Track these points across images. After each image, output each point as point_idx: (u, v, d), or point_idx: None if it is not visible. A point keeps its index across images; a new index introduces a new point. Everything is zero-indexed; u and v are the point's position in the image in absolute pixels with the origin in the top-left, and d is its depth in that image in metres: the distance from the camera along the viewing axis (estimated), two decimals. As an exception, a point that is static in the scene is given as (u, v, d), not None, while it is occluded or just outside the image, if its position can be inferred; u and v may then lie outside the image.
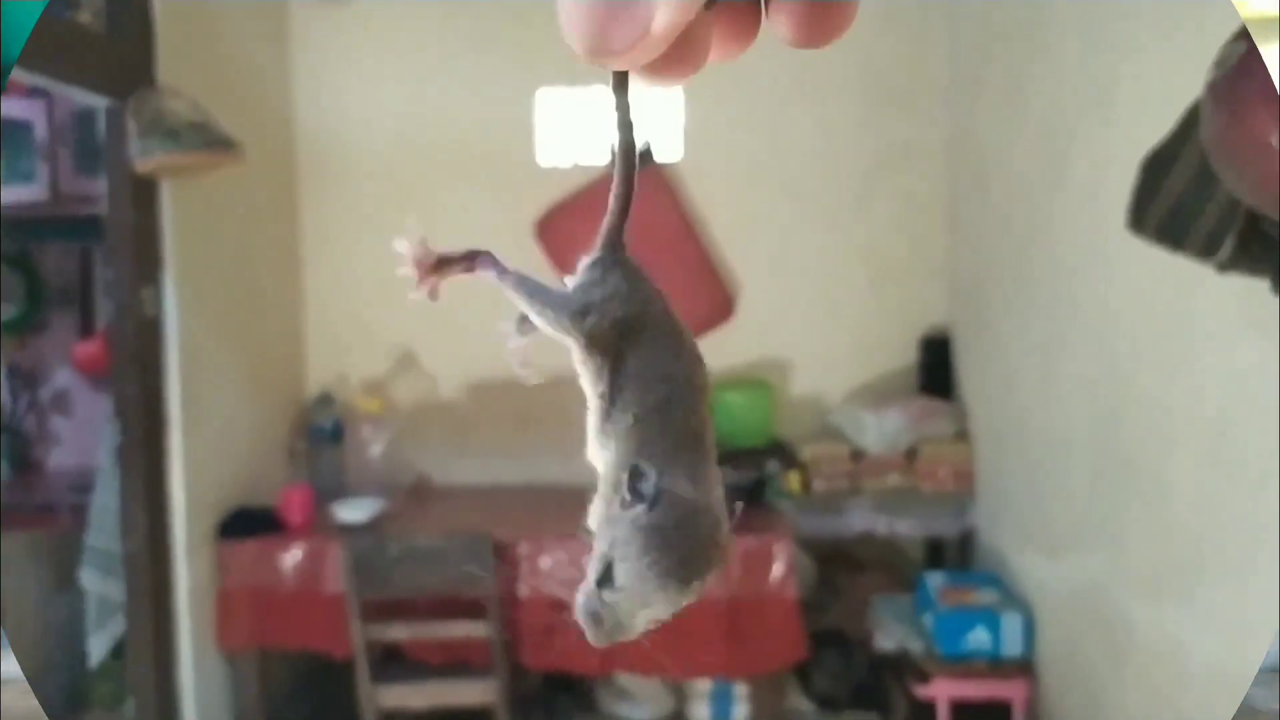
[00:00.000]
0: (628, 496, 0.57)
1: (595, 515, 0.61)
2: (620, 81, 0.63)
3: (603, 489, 0.60)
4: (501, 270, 0.67)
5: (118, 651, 2.61)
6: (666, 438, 0.60)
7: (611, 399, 0.61)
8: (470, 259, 0.68)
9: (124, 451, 2.47)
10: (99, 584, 2.56)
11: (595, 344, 0.62)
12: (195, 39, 2.69)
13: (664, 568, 0.57)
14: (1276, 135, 1.00)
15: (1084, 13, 2.24)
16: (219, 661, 2.73)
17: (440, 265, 0.68)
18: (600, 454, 0.62)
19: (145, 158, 2.36)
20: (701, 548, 0.57)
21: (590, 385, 0.63)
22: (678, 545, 0.57)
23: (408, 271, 0.68)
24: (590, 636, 0.59)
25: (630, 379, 0.62)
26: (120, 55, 2.39)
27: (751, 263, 3.27)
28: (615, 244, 0.66)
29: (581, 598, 0.58)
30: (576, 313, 0.63)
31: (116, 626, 2.57)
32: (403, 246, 0.69)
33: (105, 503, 2.55)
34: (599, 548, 0.58)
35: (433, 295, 0.68)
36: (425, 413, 3.37)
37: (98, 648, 2.59)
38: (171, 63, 2.51)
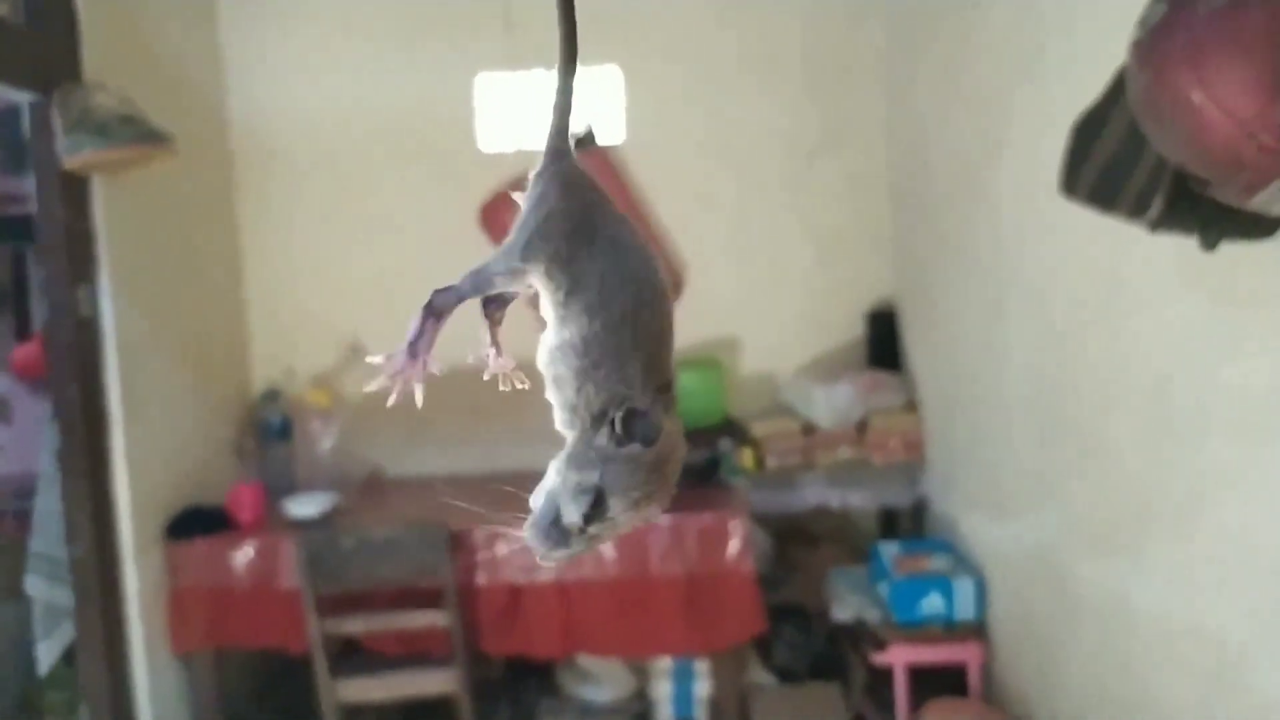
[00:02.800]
0: (622, 434, 0.60)
1: (562, 429, 0.64)
2: None
3: (570, 415, 0.62)
4: (451, 291, 0.67)
5: (68, 659, 2.56)
6: (640, 351, 0.62)
7: (567, 304, 0.63)
8: (427, 315, 0.67)
9: (65, 455, 2.42)
10: (45, 591, 2.50)
11: (552, 263, 0.64)
12: (121, 29, 2.62)
13: (657, 498, 0.61)
14: (1197, 93, 1.02)
15: (1015, -18, 2.26)
16: (174, 664, 2.69)
17: (414, 351, 0.67)
18: (559, 365, 0.63)
19: (74, 154, 2.30)
20: (676, 470, 0.61)
21: (549, 300, 0.64)
22: (668, 474, 0.61)
23: (385, 382, 0.67)
24: (552, 559, 0.61)
25: (591, 285, 0.63)
26: (43, 48, 2.32)
27: (697, 243, 3.27)
28: (557, 153, 0.67)
29: (544, 529, 0.60)
30: (521, 253, 0.65)
31: (65, 633, 2.52)
32: (378, 363, 0.67)
33: (48, 508, 2.50)
34: (582, 478, 0.60)
35: (415, 391, 0.67)
36: (375, 404, 3.32)
37: (47, 655, 2.53)
38: (97, 55, 2.45)
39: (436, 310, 0.67)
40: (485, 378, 0.73)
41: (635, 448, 0.59)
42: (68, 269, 2.39)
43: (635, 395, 0.60)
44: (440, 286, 0.67)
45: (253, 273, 3.38)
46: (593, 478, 0.59)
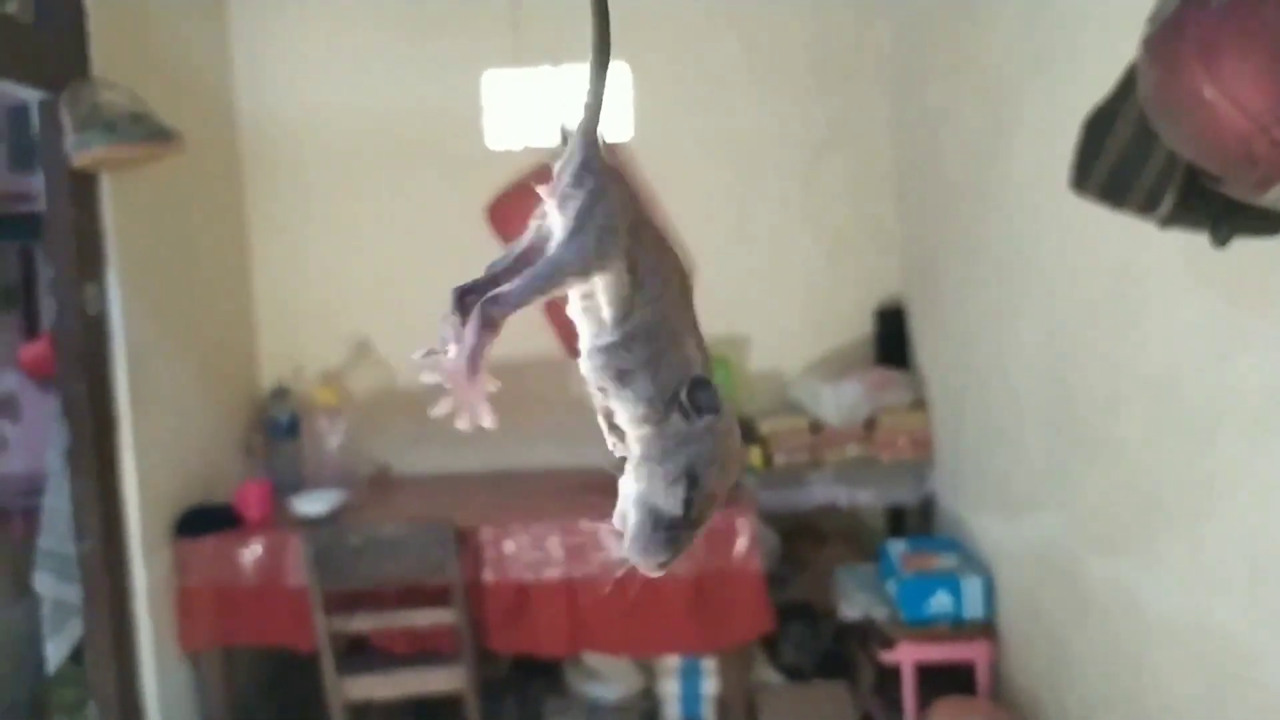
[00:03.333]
0: (691, 408, 0.60)
1: (633, 433, 0.63)
2: None
3: (646, 409, 0.62)
4: (509, 297, 0.61)
5: (77, 656, 2.56)
6: (693, 333, 0.64)
7: (632, 299, 0.63)
8: (483, 327, 0.60)
9: (74, 452, 2.42)
10: (54, 588, 2.51)
11: (624, 261, 0.63)
12: (130, 27, 2.63)
13: (738, 463, 0.62)
14: (1209, 88, 1.02)
15: (1024, -22, 2.25)
16: (182, 661, 2.69)
17: (475, 368, 0.60)
18: (624, 360, 0.62)
19: (82, 151, 2.31)
20: (739, 437, 0.63)
21: (613, 295, 0.63)
22: (738, 440, 0.63)
23: (451, 407, 0.60)
24: (662, 563, 0.60)
25: (647, 277, 0.64)
26: (51, 46, 2.33)
27: (706, 240, 3.26)
28: (595, 144, 0.67)
29: (648, 537, 0.60)
30: (597, 250, 0.62)
31: (74, 630, 2.52)
32: (429, 372, 0.61)
33: (57, 505, 2.50)
34: (672, 467, 0.60)
35: (484, 413, 0.60)
36: (383, 402, 3.34)
37: (56, 653, 2.54)
38: (106, 53, 2.45)
39: (495, 321, 0.60)
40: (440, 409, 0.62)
41: (709, 418, 0.60)
42: (76, 267, 2.39)
43: (697, 370, 0.62)
44: (490, 294, 0.60)
45: (261, 270, 3.38)
46: (681, 462, 0.60)
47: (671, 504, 0.60)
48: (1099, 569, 2.05)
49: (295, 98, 3.35)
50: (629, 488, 0.62)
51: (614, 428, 0.66)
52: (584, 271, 0.62)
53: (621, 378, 0.62)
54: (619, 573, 0.63)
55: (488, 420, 0.60)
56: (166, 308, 2.75)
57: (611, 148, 3.05)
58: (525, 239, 0.66)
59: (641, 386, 0.61)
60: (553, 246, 0.63)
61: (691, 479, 0.59)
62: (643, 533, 0.60)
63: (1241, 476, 1.55)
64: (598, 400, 0.66)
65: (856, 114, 3.33)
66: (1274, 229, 1.29)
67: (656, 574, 0.61)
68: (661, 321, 0.63)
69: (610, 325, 0.63)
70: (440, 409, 0.60)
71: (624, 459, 0.64)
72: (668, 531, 0.60)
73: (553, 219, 0.64)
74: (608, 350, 0.63)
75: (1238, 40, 1.02)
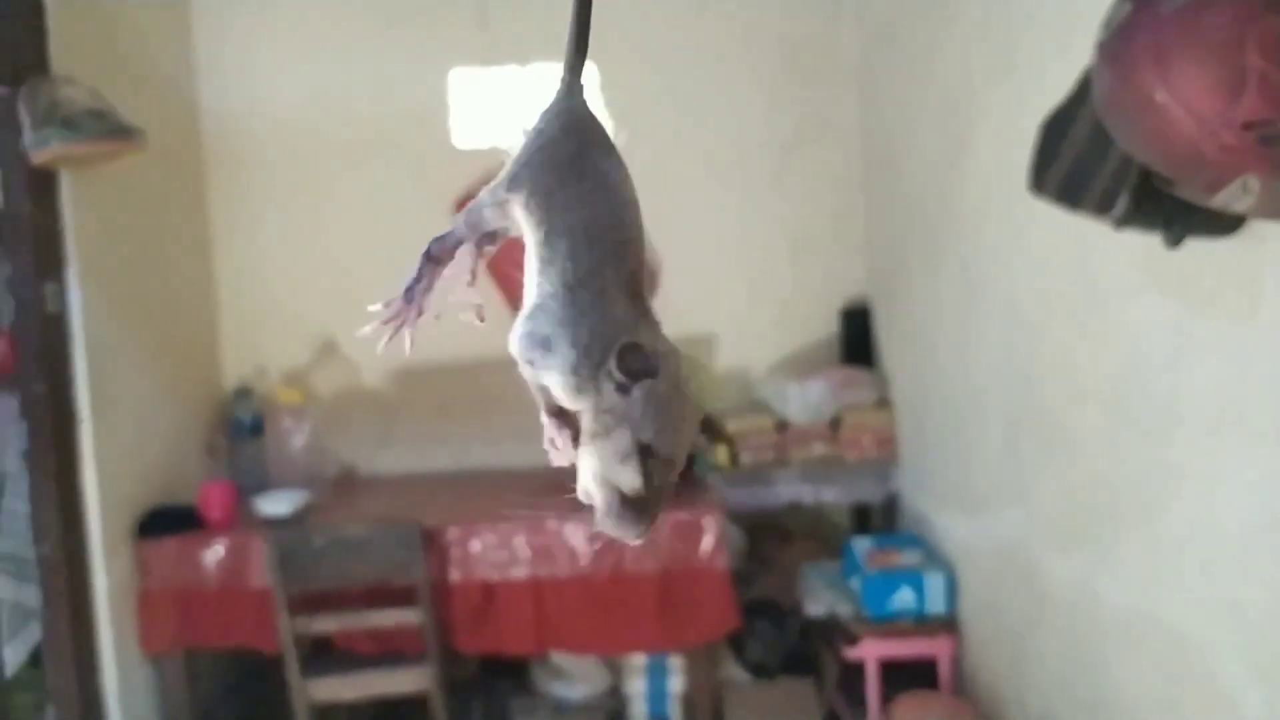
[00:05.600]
0: (622, 378, 0.57)
1: (572, 407, 0.60)
2: None
3: (573, 379, 0.59)
4: (448, 235, 0.67)
5: (35, 660, 2.53)
6: (624, 288, 0.61)
7: (551, 245, 0.62)
8: (425, 261, 0.67)
9: (33, 453, 2.39)
10: (12, 591, 2.48)
11: (532, 196, 0.63)
12: (90, 21, 2.60)
13: (690, 420, 0.59)
14: (1161, 92, 1.04)
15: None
16: (144, 664, 2.67)
17: (410, 297, 0.66)
18: (544, 325, 0.60)
19: (41, 148, 2.28)
20: (689, 385, 0.60)
21: (530, 241, 0.63)
22: (688, 391, 0.59)
23: (378, 328, 0.66)
24: (646, 533, 0.58)
25: (577, 227, 0.62)
26: (10, 41, 2.30)
27: (672, 239, 3.28)
28: (568, 92, 0.68)
29: (618, 513, 0.57)
30: (508, 183, 0.64)
31: (32, 634, 2.49)
32: (376, 310, 0.67)
33: (15, 507, 2.47)
34: (617, 445, 0.56)
35: (406, 338, 0.67)
36: (348, 402, 3.32)
37: (13, 657, 2.50)
38: (66, 47, 2.42)
39: (435, 256, 0.67)
40: (450, 299, 0.69)
41: (645, 384, 0.57)
42: (35, 265, 2.36)
43: (626, 333, 0.58)
44: (437, 237, 0.67)
45: (224, 269, 3.35)
46: (626, 438, 0.57)
47: (629, 479, 0.57)
48: (1057, 565, 2.08)
49: (259, 95, 3.32)
50: (585, 464, 0.59)
51: (553, 419, 0.63)
52: (496, 203, 0.65)
53: (543, 344, 0.60)
54: (598, 544, 0.62)
55: (406, 345, 0.64)
56: (128, 306, 2.72)
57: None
58: None
59: (562, 352, 0.59)
60: None
61: (643, 451, 0.56)
62: (611, 510, 0.58)
63: (1195, 474, 1.59)
64: (532, 386, 0.63)
65: (824, 115, 3.35)
66: (1225, 230, 1.32)
67: (638, 542, 0.59)
68: (582, 281, 0.60)
69: (530, 288, 0.63)
70: (365, 330, 0.65)
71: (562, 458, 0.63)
72: (635, 505, 0.57)
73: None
74: (530, 314, 0.61)
75: (1188, 45, 1.04)
